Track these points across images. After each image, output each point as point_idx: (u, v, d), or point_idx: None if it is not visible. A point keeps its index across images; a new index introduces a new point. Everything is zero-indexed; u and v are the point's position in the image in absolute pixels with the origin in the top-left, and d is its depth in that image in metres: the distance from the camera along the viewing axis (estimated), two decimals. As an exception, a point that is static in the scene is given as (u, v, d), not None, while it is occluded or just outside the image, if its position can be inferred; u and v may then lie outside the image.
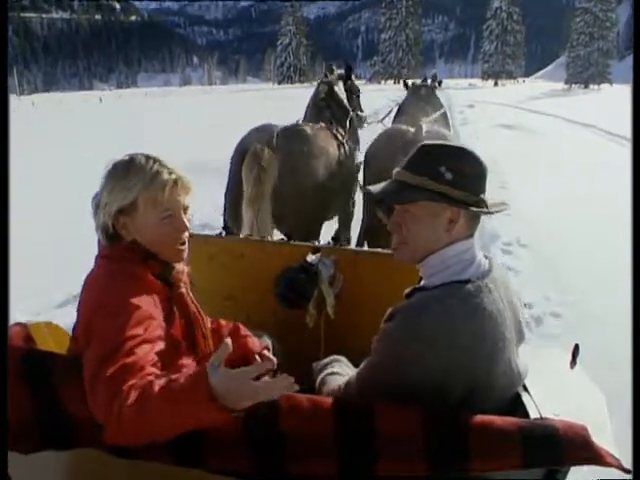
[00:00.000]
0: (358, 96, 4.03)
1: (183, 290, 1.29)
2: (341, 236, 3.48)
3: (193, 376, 0.90)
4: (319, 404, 0.97)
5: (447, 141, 1.53)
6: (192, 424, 0.90)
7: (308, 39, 66.49)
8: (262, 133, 2.79)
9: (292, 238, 2.26)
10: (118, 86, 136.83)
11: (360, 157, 3.39)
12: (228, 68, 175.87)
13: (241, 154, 2.72)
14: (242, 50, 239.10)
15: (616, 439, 0.99)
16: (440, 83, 4.98)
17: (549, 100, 27.05)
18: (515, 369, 1.10)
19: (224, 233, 2.60)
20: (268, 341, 1.63)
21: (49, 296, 3.56)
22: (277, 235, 2.84)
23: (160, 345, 1.09)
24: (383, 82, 58.03)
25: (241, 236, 2.58)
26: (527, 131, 12.98)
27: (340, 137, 3.18)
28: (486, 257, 1.16)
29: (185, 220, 1.23)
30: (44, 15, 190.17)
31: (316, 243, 2.47)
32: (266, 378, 0.96)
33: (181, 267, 1.28)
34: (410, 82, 4.65)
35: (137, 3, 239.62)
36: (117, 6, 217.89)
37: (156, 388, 0.91)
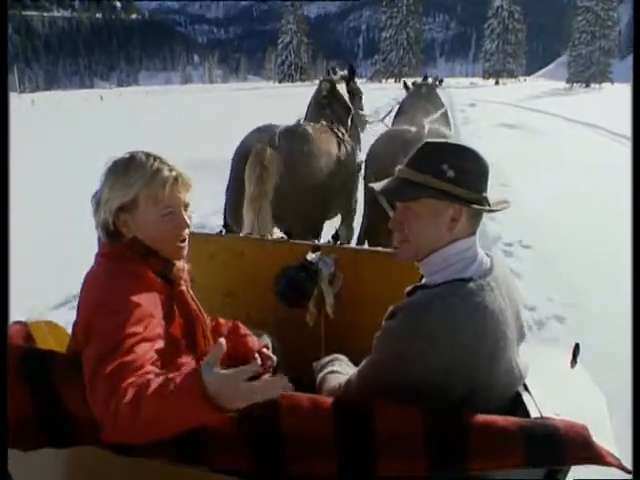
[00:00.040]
0: (360, 97, 4.04)
1: (183, 288, 1.29)
2: (343, 235, 3.48)
3: (188, 375, 0.90)
4: (319, 404, 0.97)
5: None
6: (187, 423, 0.90)
7: (309, 38, 66.36)
8: (263, 133, 2.81)
9: (292, 237, 2.26)
10: (119, 84, 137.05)
11: (361, 156, 3.38)
12: (229, 66, 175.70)
13: (243, 154, 2.72)
14: (243, 49, 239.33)
15: (616, 439, 0.99)
16: (441, 82, 4.98)
17: (550, 99, 26.95)
18: (516, 368, 1.10)
19: (224, 231, 2.60)
20: (268, 340, 1.63)
21: (49, 296, 3.56)
22: (277, 233, 2.84)
23: (160, 343, 1.09)
24: (384, 81, 57.95)
25: (241, 235, 2.58)
26: (528, 130, 12.93)
27: (341, 135, 3.18)
28: (488, 255, 1.16)
29: (185, 217, 1.23)
30: (45, 13, 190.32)
31: (316, 242, 2.47)
32: (266, 377, 0.96)
33: (181, 265, 1.28)
34: (410, 82, 4.64)
35: (138, 2, 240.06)
36: (118, 4, 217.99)
37: (152, 386, 0.91)
